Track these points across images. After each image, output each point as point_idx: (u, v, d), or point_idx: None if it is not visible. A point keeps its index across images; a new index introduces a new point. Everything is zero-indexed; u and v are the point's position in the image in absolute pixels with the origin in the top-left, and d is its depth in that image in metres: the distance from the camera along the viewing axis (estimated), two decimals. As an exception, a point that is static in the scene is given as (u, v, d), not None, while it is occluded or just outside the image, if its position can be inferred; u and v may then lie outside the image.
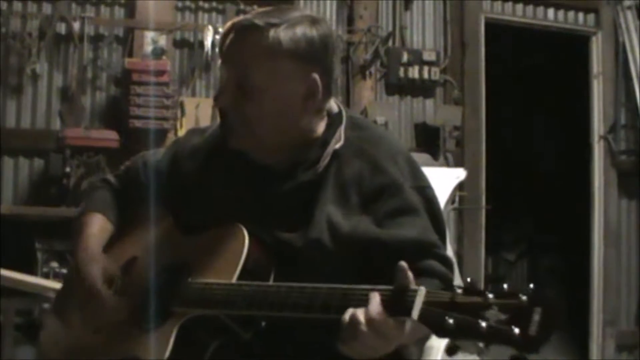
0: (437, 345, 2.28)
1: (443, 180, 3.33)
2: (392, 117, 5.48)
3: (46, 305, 4.39)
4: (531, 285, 1.29)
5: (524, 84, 7.82)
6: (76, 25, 4.85)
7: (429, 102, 5.71)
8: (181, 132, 4.87)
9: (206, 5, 5.25)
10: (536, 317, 1.26)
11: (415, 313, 1.37)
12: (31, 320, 4.46)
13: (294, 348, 1.70)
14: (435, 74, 5.57)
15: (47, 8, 4.86)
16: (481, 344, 1.29)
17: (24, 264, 4.03)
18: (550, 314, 1.27)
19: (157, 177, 1.93)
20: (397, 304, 1.42)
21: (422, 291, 1.39)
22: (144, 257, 1.85)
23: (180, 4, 5.19)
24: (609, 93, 6.05)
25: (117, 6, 5.06)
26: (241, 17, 1.76)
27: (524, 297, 1.28)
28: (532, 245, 7.69)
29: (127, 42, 5.00)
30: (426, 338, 1.66)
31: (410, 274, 1.44)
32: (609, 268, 5.99)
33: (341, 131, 1.78)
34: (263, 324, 1.63)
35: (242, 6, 4.98)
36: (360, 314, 1.44)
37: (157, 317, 1.69)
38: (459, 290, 1.35)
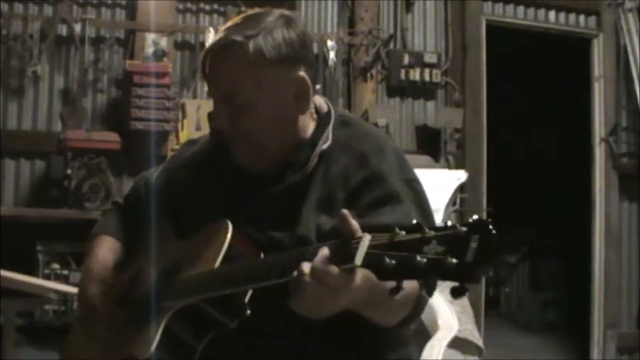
0: (438, 345, 2.28)
1: (444, 182, 3.34)
2: (393, 119, 5.49)
3: (47, 307, 4.41)
4: (473, 217, 1.27)
5: (525, 86, 7.84)
6: (77, 27, 4.86)
7: (430, 105, 5.72)
8: (182, 134, 4.89)
9: (207, 7, 5.26)
10: (473, 244, 1.24)
11: (358, 259, 1.34)
12: (32, 322, 4.47)
13: (282, 335, 1.71)
14: (437, 76, 5.57)
15: (48, 10, 4.88)
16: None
17: (25, 265, 4.03)
18: (487, 241, 1.24)
19: (156, 193, 1.99)
20: (343, 253, 1.39)
21: (366, 237, 1.36)
22: (146, 266, 1.91)
23: (181, 6, 5.20)
24: (610, 95, 6.05)
25: (118, 8, 5.07)
26: (217, 37, 1.76)
27: (463, 228, 1.26)
28: (533, 248, 7.69)
29: (128, 44, 5.01)
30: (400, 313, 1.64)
31: (353, 221, 1.42)
32: (610, 270, 5.99)
33: (329, 131, 1.79)
34: (248, 312, 1.64)
35: (243, 8, 4.99)
36: (305, 265, 1.43)
37: (149, 315, 1.72)
38: (402, 232, 1.32)
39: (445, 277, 1.25)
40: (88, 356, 1.90)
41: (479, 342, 2.86)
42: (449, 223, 1.29)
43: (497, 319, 7.17)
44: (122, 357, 1.74)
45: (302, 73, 1.74)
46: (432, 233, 1.28)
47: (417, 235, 1.29)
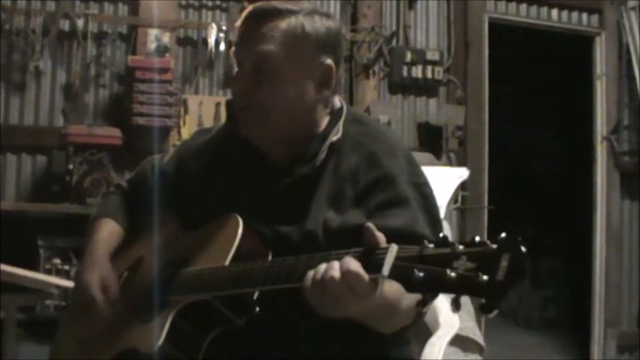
0: (439, 342, 2.28)
1: (446, 180, 3.33)
2: (395, 116, 5.48)
3: (48, 302, 4.41)
4: (502, 234, 1.29)
5: (527, 84, 7.82)
6: (80, 23, 4.86)
7: (432, 102, 5.71)
8: (184, 130, 4.89)
9: (210, 3, 5.26)
10: (504, 263, 1.26)
11: (386, 269, 1.35)
12: (33, 317, 4.47)
13: (289, 333, 1.71)
14: (439, 73, 5.57)
15: (50, 5, 4.87)
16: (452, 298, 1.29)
17: (26, 260, 4.03)
18: (518, 259, 1.27)
19: (164, 179, 1.97)
20: (368, 263, 1.40)
21: (393, 248, 1.37)
22: (149, 255, 1.89)
23: (184, 2, 5.19)
24: (612, 94, 6.04)
25: (120, 3, 5.07)
26: (259, 3, 1.76)
27: (493, 245, 1.28)
28: (534, 246, 7.66)
29: (131, 39, 5.01)
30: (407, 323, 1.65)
31: (378, 233, 1.43)
32: (611, 269, 5.99)
33: (340, 125, 1.79)
34: (257, 309, 1.64)
35: (245, 4, 4.98)
36: (336, 264, 1.42)
37: (154, 308, 1.70)
38: (430, 245, 1.34)
39: (474, 294, 1.27)
40: (83, 345, 1.86)
41: (480, 339, 2.85)
42: (477, 239, 1.30)
43: (497, 316, 7.11)
44: (123, 348, 1.72)
45: (330, 62, 1.75)
46: (462, 248, 1.29)
47: (447, 250, 1.30)
